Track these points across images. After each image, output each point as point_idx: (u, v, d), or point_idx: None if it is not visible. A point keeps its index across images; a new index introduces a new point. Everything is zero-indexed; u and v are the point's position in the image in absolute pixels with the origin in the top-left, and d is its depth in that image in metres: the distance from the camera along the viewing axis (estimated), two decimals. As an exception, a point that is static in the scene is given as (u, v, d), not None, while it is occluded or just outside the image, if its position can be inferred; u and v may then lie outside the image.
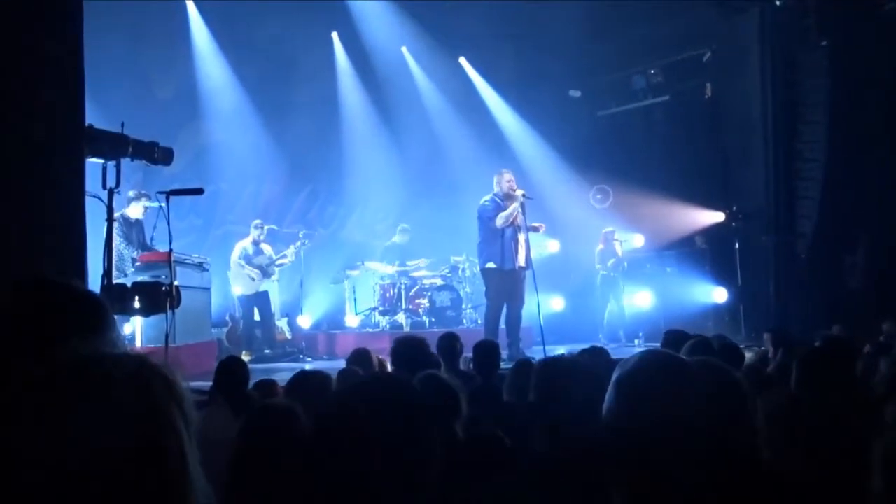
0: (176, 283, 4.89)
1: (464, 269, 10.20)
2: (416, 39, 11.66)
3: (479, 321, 9.22)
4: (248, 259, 8.96)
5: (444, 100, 11.94)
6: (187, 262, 7.34)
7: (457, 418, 2.75)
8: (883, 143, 9.39)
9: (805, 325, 8.29)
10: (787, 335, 5.75)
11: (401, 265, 10.07)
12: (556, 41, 10.92)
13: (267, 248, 9.22)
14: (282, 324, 9.72)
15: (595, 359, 3.87)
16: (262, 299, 9.07)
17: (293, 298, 10.06)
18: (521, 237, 7.76)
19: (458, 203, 10.04)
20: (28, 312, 1.38)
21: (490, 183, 8.01)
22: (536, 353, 6.96)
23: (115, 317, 1.58)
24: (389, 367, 4.87)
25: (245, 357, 7.83)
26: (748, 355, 5.47)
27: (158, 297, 4.29)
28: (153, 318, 5.29)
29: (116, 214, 5.08)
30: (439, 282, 10.12)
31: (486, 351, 4.55)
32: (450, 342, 4.50)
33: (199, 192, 5.41)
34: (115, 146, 4.25)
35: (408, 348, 4.10)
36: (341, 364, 4.93)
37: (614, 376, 1.45)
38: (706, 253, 10.94)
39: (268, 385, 3.83)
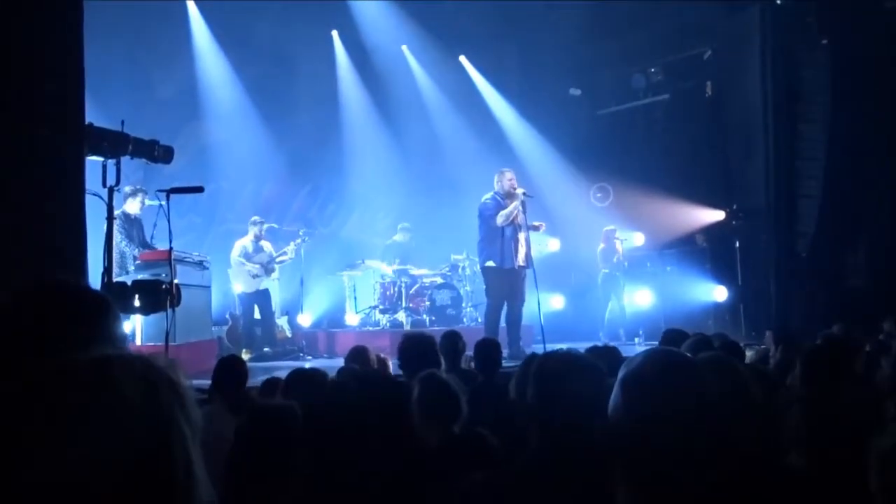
0: (176, 281, 4.89)
1: (464, 268, 10.20)
2: (417, 38, 11.66)
3: (480, 320, 9.22)
4: (248, 256, 8.95)
5: (445, 98, 11.94)
6: (187, 260, 7.33)
7: (456, 418, 2.75)
8: (884, 142, 9.38)
9: (805, 324, 8.30)
10: (789, 334, 5.74)
11: (401, 265, 10.06)
12: (557, 40, 10.92)
13: (267, 246, 9.21)
14: (282, 322, 9.71)
15: (605, 360, 3.84)
16: (262, 297, 9.05)
17: (293, 296, 10.04)
18: (522, 236, 7.75)
19: (458, 201, 10.03)
20: (32, 312, 1.37)
21: (490, 181, 8.01)
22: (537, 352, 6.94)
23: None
24: (390, 365, 4.88)
25: (245, 355, 7.83)
26: (749, 353, 5.46)
27: (158, 296, 4.28)
28: (153, 317, 5.27)
29: (117, 212, 5.08)
30: (439, 280, 10.11)
31: (488, 349, 4.55)
32: (452, 341, 4.48)
33: (199, 190, 5.40)
34: (115, 144, 4.24)
35: (416, 346, 4.06)
36: (341, 362, 4.92)
37: (620, 375, 1.44)
38: (706, 251, 10.93)
39: (276, 384, 3.82)
